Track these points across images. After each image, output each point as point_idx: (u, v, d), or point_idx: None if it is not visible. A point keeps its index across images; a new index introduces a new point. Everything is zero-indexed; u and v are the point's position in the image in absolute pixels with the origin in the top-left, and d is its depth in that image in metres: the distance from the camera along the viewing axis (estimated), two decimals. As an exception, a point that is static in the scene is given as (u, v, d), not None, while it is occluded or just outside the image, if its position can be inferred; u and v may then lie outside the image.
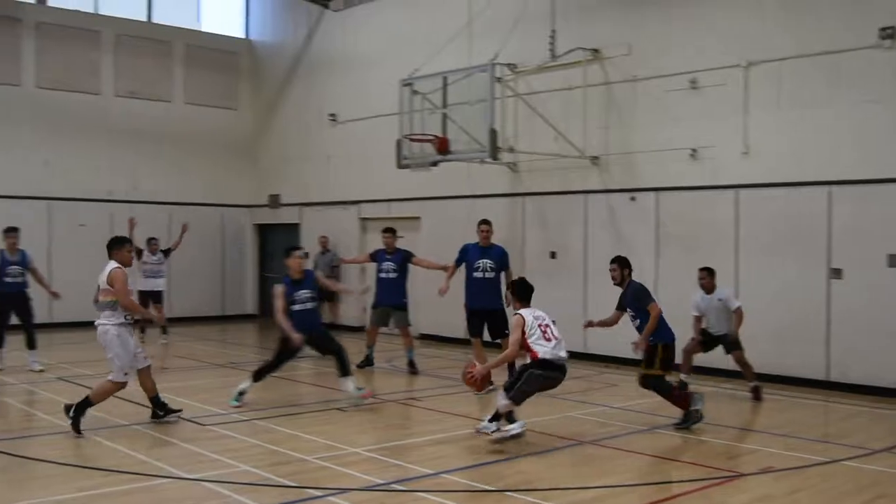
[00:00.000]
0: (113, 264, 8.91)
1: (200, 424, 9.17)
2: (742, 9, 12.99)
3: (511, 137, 15.38)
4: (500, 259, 12.21)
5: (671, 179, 13.67)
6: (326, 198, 19.95)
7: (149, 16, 21.44)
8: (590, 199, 14.65)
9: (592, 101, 14.51)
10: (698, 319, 11.58)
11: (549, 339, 8.42)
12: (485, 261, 12.10)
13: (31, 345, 13.21)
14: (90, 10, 20.38)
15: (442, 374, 12.98)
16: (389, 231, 13.89)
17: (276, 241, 21.81)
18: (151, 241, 16.92)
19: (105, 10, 20.58)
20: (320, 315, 11.41)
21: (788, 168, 12.41)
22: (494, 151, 13.74)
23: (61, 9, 19.93)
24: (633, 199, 14.15)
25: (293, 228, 20.79)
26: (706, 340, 11.59)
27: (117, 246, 9.12)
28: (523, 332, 8.40)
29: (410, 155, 14.81)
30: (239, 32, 22.88)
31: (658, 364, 9.35)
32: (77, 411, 8.56)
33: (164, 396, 9.49)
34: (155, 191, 20.74)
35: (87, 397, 8.74)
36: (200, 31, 22.20)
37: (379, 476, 7.18)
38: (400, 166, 14.96)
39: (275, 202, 21.66)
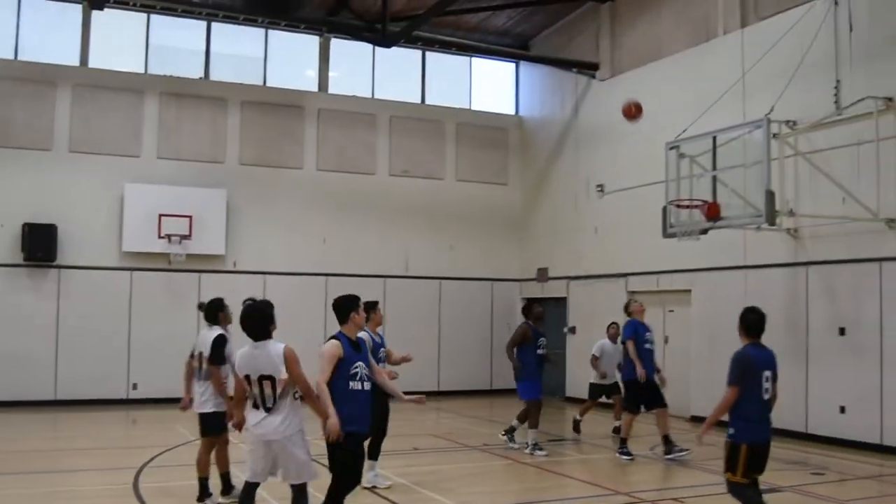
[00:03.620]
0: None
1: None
2: None
3: (791, 200, 13.91)
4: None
5: None
6: (593, 271, 19.24)
7: (422, 98, 22.11)
8: (885, 268, 12.79)
9: (887, 157, 12.80)
10: None
11: None
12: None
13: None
14: (367, 95, 21.36)
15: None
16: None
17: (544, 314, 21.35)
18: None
19: (381, 95, 21.49)
20: None
21: None
22: (772, 216, 12.50)
23: (340, 95, 21.03)
24: (940, 266, 12.22)
25: (561, 302, 20.23)
26: None
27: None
28: None
29: (678, 223, 13.85)
30: (509, 109, 23.03)
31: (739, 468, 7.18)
32: None
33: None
34: (426, 266, 21.07)
35: None
36: (471, 110, 22.56)
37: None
38: (666, 235, 14.02)
39: (542, 276, 21.24)
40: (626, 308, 13.08)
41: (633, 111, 13.20)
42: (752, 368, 7.16)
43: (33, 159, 18.09)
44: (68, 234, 18.01)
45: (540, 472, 11.38)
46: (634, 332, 12.50)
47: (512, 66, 23.16)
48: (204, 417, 9.00)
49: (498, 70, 23.20)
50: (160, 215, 18.32)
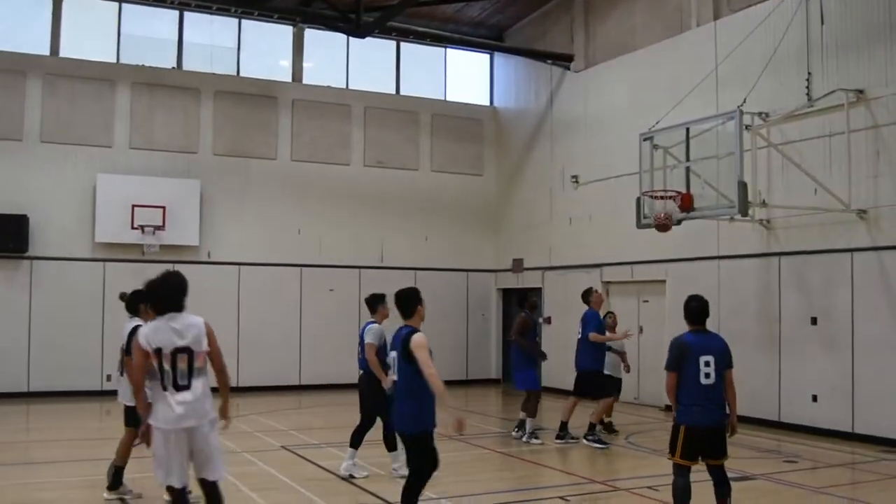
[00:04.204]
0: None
1: None
2: None
3: (764, 191, 14.06)
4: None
5: (956, 233, 11.82)
6: (569, 261, 19.32)
7: (397, 89, 22.06)
8: (857, 258, 12.96)
9: (858, 148, 12.95)
10: None
11: None
12: None
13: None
14: (341, 85, 21.29)
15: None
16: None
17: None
18: None
19: (355, 85, 21.41)
20: None
21: None
22: (745, 207, 12.60)
23: (315, 86, 20.95)
24: (909, 256, 12.38)
25: (535, 293, 20.29)
26: None
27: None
28: None
29: (652, 213, 13.90)
30: (484, 100, 23.04)
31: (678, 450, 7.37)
32: None
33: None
34: (401, 256, 21.06)
35: None
36: (446, 101, 22.55)
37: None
38: (640, 226, 14.09)
39: (517, 266, 21.31)
40: (587, 297, 13.16)
41: (662, 219, 13.24)
42: (687, 354, 7.29)
43: (3, 149, 17.88)
44: (40, 224, 17.82)
45: (517, 462, 11.43)
46: (598, 326, 12.74)
47: (486, 56, 23.16)
48: (129, 409, 8.75)
49: (472, 61, 23.19)
50: (133, 206, 18.18)
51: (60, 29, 18.83)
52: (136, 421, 8.70)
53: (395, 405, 7.07)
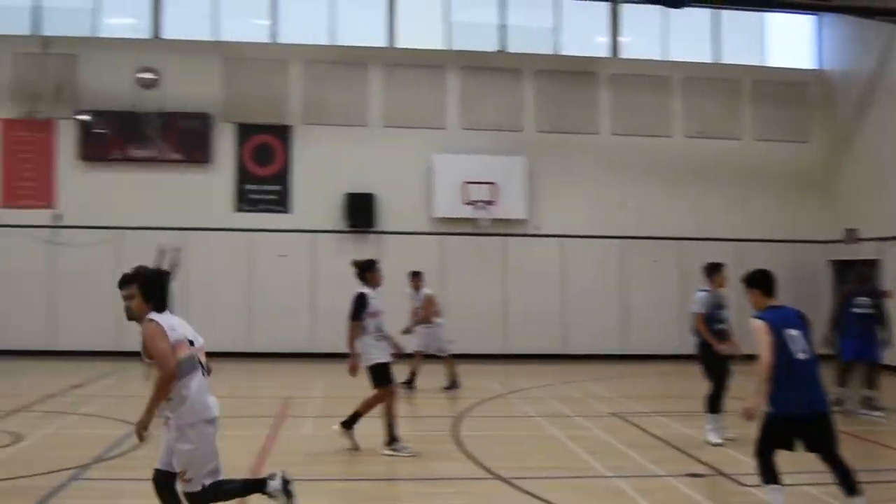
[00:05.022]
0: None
1: (741, 484, 8.46)
2: None
3: None
4: None
5: None
6: (909, 231, 18.15)
7: (716, 56, 21.70)
8: None
9: None
10: None
11: None
12: None
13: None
14: (658, 57, 21.35)
15: None
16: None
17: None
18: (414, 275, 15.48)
19: (673, 57, 21.36)
20: None
21: None
22: None
23: (632, 59, 21.23)
24: None
25: (871, 265, 19.18)
26: None
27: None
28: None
29: None
30: (808, 63, 22.02)
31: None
32: None
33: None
34: (721, 227, 20.76)
35: None
36: (768, 67, 21.84)
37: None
38: None
39: (851, 237, 20.24)
40: None
41: None
42: None
43: (352, 135, 19.95)
44: (384, 202, 19.77)
45: (851, 440, 11.06)
46: None
47: (808, 18, 22.04)
48: (374, 369, 9.91)
49: (794, 23, 22.19)
50: (465, 183, 19.57)
51: (395, 21, 20.55)
52: (381, 381, 9.80)
53: (814, 387, 6.87)
